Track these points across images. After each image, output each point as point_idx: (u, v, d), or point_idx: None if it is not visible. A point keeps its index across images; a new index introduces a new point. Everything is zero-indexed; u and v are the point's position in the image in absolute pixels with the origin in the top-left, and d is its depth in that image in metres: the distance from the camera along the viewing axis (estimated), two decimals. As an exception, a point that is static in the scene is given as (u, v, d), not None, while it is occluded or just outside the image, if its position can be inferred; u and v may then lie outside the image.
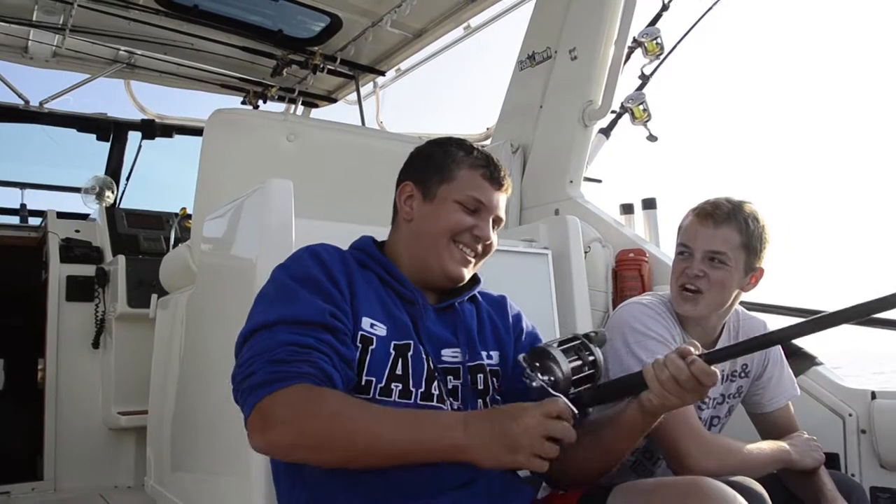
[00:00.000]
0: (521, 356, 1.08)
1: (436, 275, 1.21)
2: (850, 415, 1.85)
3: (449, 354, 1.19)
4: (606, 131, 2.76)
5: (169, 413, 2.01)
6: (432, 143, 1.29)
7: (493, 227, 1.24)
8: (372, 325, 1.12)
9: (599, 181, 2.97)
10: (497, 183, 1.22)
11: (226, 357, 1.45)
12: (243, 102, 4.03)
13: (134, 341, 2.89)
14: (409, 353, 1.12)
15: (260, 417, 0.97)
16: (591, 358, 1.05)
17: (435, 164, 1.23)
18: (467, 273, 1.22)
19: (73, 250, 3.17)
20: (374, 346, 1.10)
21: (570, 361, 1.04)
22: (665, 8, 2.73)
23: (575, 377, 1.03)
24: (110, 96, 4.14)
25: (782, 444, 1.50)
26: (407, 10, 3.01)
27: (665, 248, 2.32)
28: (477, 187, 1.20)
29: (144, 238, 3.33)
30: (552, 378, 1.03)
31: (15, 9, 3.11)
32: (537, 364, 1.05)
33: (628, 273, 2.15)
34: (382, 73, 3.76)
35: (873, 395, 1.84)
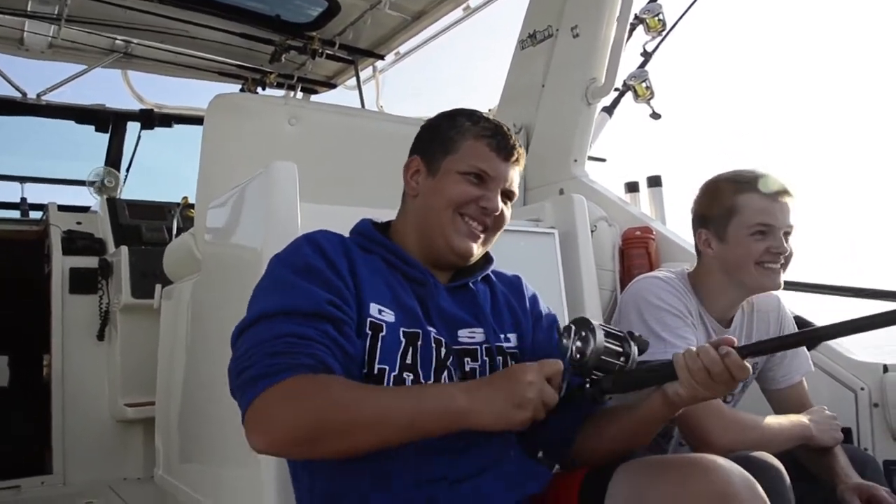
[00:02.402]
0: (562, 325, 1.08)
1: (443, 251, 1.16)
2: (863, 388, 1.84)
3: (465, 335, 1.15)
4: (609, 109, 2.72)
5: (176, 403, 2.01)
6: (441, 114, 1.24)
7: (505, 202, 1.18)
8: (380, 311, 1.08)
9: (604, 160, 2.95)
10: (505, 152, 1.17)
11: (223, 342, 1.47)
12: (242, 90, 4.00)
13: (139, 332, 2.89)
14: (419, 343, 1.09)
15: (256, 415, 0.92)
16: (627, 351, 1.04)
17: (440, 136, 1.19)
18: (476, 248, 1.17)
19: (76, 242, 3.16)
20: (384, 333, 1.06)
21: (606, 342, 1.02)
22: (667, -17, 2.70)
23: (603, 357, 1.02)
24: (108, 87, 4.10)
25: (803, 420, 1.49)
26: (406, -8, 2.99)
27: (671, 226, 2.30)
28: (482, 157, 1.15)
29: (147, 228, 3.32)
30: (583, 347, 1.02)
31: (9, 0, 3.08)
32: (574, 330, 1.04)
33: (635, 251, 2.13)
34: (382, 57, 3.72)
35: (885, 369, 1.84)
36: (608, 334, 1.03)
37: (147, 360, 2.44)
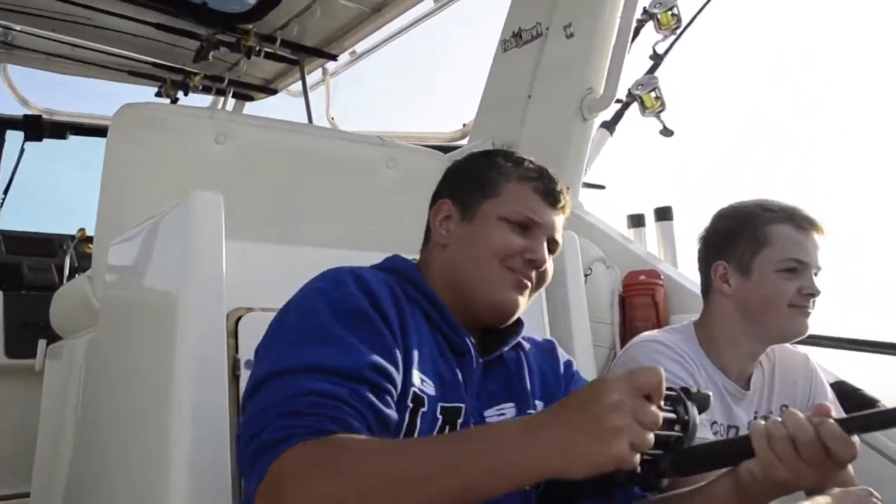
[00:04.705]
0: None
1: (481, 308, 1.22)
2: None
3: (494, 413, 1.22)
4: (610, 125, 2.83)
5: (59, 495, 1.98)
6: (474, 154, 1.35)
7: (548, 253, 1.26)
8: (422, 381, 1.12)
9: (602, 187, 3.04)
10: (552, 198, 1.26)
11: (139, 417, 1.47)
12: (158, 94, 4.07)
13: (13, 402, 2.85)
14: (459, 421, 1.14)
15: (268, 491, 0.90)
16: (685, 417, 0.99)
17: (476, 176, 1.28)
18: (523, 303, 1.24)
19: None
20: (425, 409, 1.10)
21: (661, 410, 0.95)
22: (683, -30, 2.80)
23: (659, 431, 0.92)
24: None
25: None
26: (363, -22, 3.07)
27: (684, 269, 2.37)
28: (528, 203, 1.24)
29: (29, 268, 3.30)
30: None
31: None
32: None
33: (639, 300, 2.20)
34: (334, 58, 3.81)
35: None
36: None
37: (22, 438, 2.41)
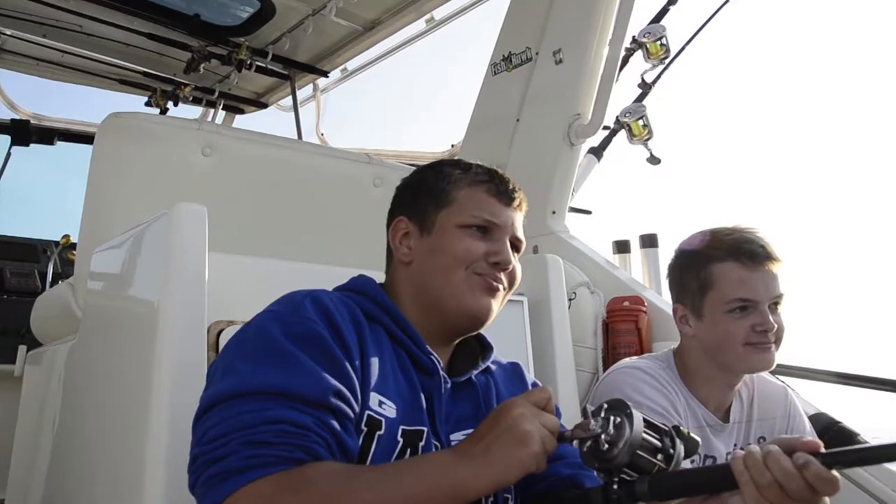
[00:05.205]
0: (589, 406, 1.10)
1: (453, 317, 1.21)
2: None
3: (461, 437, 1.19)
4: (597, 151, 2.86)
5: (35, 503, 1.97)
6: (419, 169, 1.33)
7: (513, 253, 1.26)
8: (381, 404, 1.10)
9: (589, 212, 3.06)
10: (507, 197, 1.25)
11: (118, 427, 1.47)
12: (148, 104, 4.08)
13: (-9, 407, 2.82)
14: (421, 444, 1.13)
15: None
16: (671, 451, 1.02)
17: (428, 189, 1.28)
18: (495, 306, 1.23)
19: None
20: (381, 432, 1.09)
21: (645, 433, 1.01)
22: (672, 0, 2.84)
23: (638, 453, 1.00)
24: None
25: None
26: (356, -4, 3.08)
27: (668, 296, 2.38)
28: (483, 205, 1.24)
29: (12, 273, 3.29)
30: (615, 435, 1.00)
31: None
32: (604, 416, 1.02)
33: (622, 326, 2.21)
34: (325, 74, 3.84)
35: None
36: (648, 425, 1.03)
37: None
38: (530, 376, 1.41)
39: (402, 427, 1.12)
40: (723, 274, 1.61)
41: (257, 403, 0.97)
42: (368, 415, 1.08)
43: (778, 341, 1.61)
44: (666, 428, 1.04)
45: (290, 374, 1.01)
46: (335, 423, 1.00)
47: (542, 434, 0.97)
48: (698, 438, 1.05)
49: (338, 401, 1.02)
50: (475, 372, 1.28)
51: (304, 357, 1.03)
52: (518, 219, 1.28)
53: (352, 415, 1.05)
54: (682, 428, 1.05)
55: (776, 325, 1.59)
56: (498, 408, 1.02)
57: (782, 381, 1.88)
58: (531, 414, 0.99)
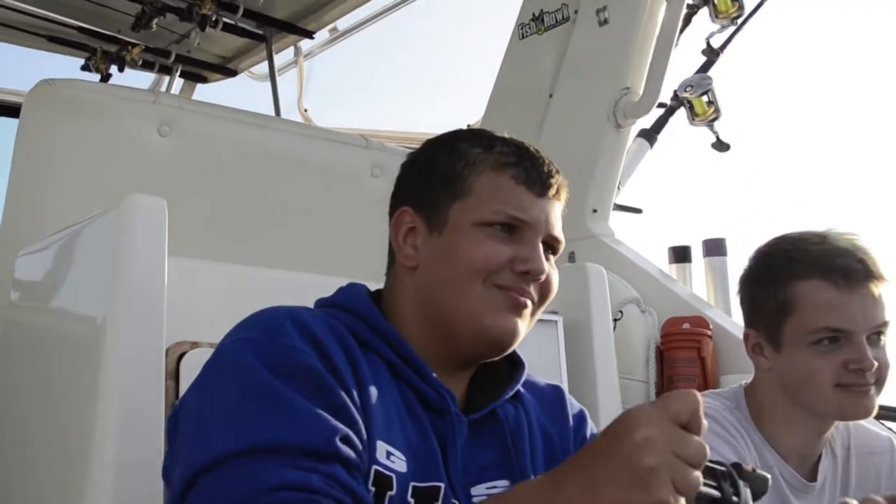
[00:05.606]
0: None
1: (469, 341, 1.17)
2: None
3: (483, 491, 1.16)
4: (650, 134, 2.84)
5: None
6: (432, 143, 1.28)
7: (547, 257, 1.20)
8: (389, 455, 1.07)
9: (639, 211, 3.03)
10: (541, 185, 1.19)
11: (54, 479, 1.44)
12: (85, 68, 4.05)
13: None
14: None
15: None
16: (733, 498, 0.97)
17: (438, 172, 1.22)
18: (522, 327, 1.17)
19: None
20: (392, 492, 1.06)
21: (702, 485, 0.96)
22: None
23: None
24: None
25: None
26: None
27: (739, 317, 2.35)
28: (509, 197, 1.17)
29: None
30: None
31: None
32: None
33: (682, 354, 2.19)
34: (309, 35, 3.81)
35: None
36: (703, 470, 0.95)
37: None
38: (575, 404, 1.35)
39: (412, 484, 1.08)
40: (807, 295, 1.53)
41: (252, 465, 0.93)
42: (376, 470, 1.04)
43: (879, 383, 1.53)
44: (724, 468, 0.98)
45: (283, 421, 0.96)
46: (347, 477, 0.96)
47: (675, 472, 0.82)
48: (767, 475, 0.98)
49: (347, 447, 0.98)
50: (498, 403, 1.22)
51: (294, 396, 0.99)
52: (556, 211, 1.21)
53: (360, 460, 1.00)
54: (744, 465, 1.00)
55: (877, 363, 1.50)
56: (620, 420, 0.84)
57: (888, 429, 1.82)
58: (664, 439, 0.82)
